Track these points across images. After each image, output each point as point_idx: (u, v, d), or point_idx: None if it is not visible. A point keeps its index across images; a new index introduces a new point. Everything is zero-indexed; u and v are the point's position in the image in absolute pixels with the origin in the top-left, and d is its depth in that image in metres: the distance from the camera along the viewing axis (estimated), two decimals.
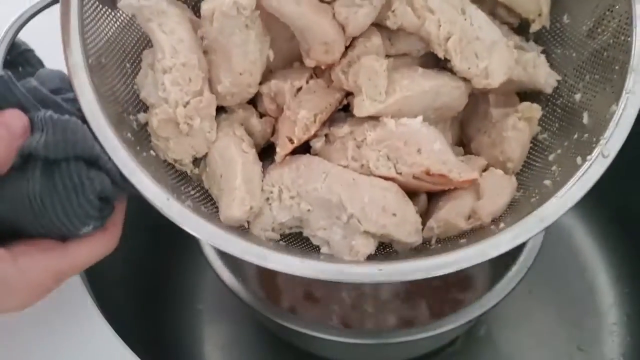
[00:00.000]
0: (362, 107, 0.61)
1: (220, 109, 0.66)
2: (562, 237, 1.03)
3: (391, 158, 0.61)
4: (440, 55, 0.63)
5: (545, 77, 0.68)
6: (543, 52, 0.71)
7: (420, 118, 0.62)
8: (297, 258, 0.56)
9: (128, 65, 0.66)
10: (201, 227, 0.56)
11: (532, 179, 0.65)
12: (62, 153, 0.57)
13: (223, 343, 0.97)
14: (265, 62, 0.64)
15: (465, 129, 0.72)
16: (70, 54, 0.59)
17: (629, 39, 0.60)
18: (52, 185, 0.57)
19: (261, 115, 0.67)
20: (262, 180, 0.63)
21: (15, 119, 0.56)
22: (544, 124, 0.69)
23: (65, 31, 0.60)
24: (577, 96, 0.65)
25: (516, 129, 0.66)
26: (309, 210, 0.61)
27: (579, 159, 0.58)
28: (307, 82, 0.65)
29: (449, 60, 0.63)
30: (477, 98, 0.69)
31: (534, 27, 0.70)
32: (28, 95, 0.58)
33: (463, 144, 0.72)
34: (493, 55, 0.63)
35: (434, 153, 0.61)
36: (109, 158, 0.58)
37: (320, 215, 0.61)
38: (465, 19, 0.62)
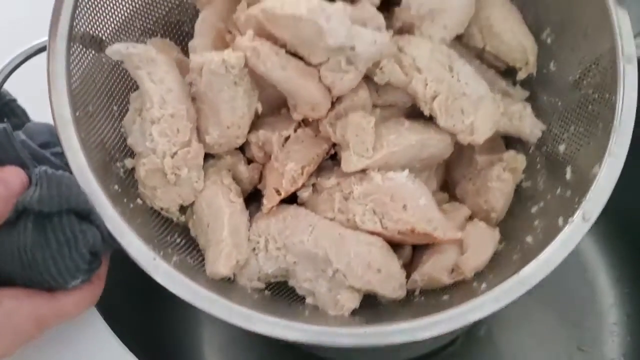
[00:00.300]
0: (349, 162, 0.62)
1: (208, 155, 0.66)
2: None
3: (377, 213, 0.62)
4: (426, 113, 0.63)
5: (530, 127, 0.69)
6: (529, 97, 0.71)
7: (406, 172, 0.63)
8: (282, 320, 0.56)
9: (115, 107, 0.66)
10: (187, 289, 0.56)
11: (515, 231, 0.66)
12: (56, 207, 0.57)
13: (222, 343, 0.97)
14: (253, 115, 0.64)
15: (450, 173, 0.73)
16: (57, 107, 0.59)
17: (613, 97, 0.60)
18: (44, 239, 0.57)
19: (249, 161, 0.68)
20: (249, 230, 0.63)
21: (13, 175, 0.57)
22: (528, 172, 0.69)
23: (53, 83, 0.59)
24: (562, 147, 0.66)
25: (500, 179, 0.67)
26: (294, 262, 0.62)
27: (560, 220, 0.59)
28: (295, 131, 0.65)
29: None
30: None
31: (521, 75, 0.70)
32: (25, 150, 0.58)
33: (448, 186, 0.73)
34: (479, 111, 0.64)
35: (419, 209, 0.61)
36: None
37: (306, 267, 0.62)
38: (452, 76, 0.63)
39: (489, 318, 0.82)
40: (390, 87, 0.65)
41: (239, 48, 0.59)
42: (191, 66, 0.61)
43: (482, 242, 0.64)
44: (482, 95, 0.64)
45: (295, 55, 0.60)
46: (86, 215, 0.58)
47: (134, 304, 0.86)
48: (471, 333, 0.96)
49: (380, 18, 0.61)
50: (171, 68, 0.63)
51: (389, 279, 0.61)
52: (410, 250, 0.66)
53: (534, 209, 0.66)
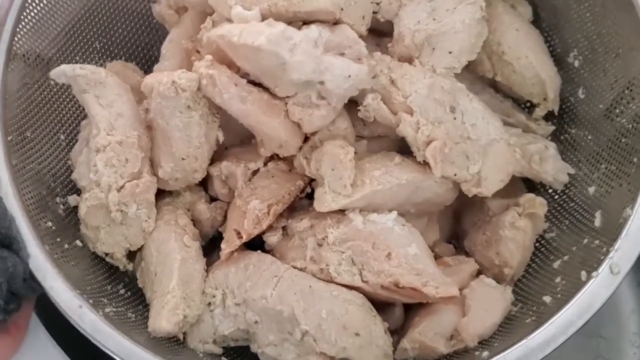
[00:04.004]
0: (323, 201, 0.51)
1: (164, 191, 0.56)
2: None
3: (356, 263, 0.51)
4: (419, 159, 0.52)
5: (554, 172, 0.57)
6: (554, 132, 0.60)
7: (393, 214, 0.52)
8: None
9: (63, 137, 0.58)
10: (117, 344, 0.47)
11: (533, 291, 0.54)
12: None
13: None
14: (214, 145, 0.54)
15: (460, 220, 0.61)
16: None
17: None
18: None
19: (212, 199, 0.58)
20: (205, 281, 0.53)
21: None
22: (552, 219, 0.58)
23: None
24: (591, 189, 0.55)
25: (515, 227, 0.55)
26: (256, 321, 0.51)
27: (583, 274, 0.47)
28: (265, 165, 0.55)
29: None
30: None
31: (539, 113, 0.60)
32: None
33: (458, 236, 0.61)
34: (488, 157, 0.53)
35: (406, 260, 0.50)
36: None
37: (270, 328, 0.51)
38: (454, 118, 0.52)
39: None
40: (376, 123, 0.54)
41: (195, 72, 0.50)
42: (142, 88, 0.52)
43: (489, 303, 0.53)
44: (493, 138, 0.53)
45: (260, 85, 0.51)
46: (8, 243, 0.49)
47: None
48: None
49: (361, 46, 0.50)
50: (123, 91, 0.54)
51: (369, 346, 0.50)
52: (402, 311, 0.54)
53: (557, 264, 0.54)
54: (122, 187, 0.52)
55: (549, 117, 0.60)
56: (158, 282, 0.52)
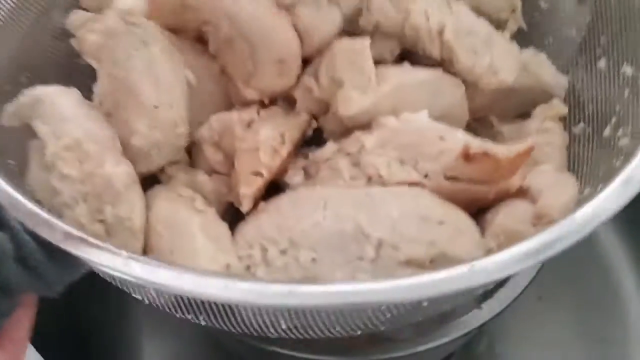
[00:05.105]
0: (349, 102, 0.44)
1: (152, 181, 0.47)
2: None
3: (406, 160, 0.43)
4: (436, 53, 0.48)
5: (553, 75, 0.54)
6: None
7: (425, 112, 0.45)
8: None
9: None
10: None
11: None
12: None
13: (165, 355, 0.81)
14: (186, 89, 0.46)
15: None
16: None
17: None
18: None
19: None
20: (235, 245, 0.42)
21: None
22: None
23: None
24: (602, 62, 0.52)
25: (544, 130, 0.51)
26: (313, 259, 0.41)
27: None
28: (259, 114, 0.47)
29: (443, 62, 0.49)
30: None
31: (511, 27, 0.57)
32: None
33: None
34: (494, 48, 0.50)
35: (462, 139, 0.43)
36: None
37: (333, 261, 0.41)
38: (451, 14, 0.49)
39: (491, 329, 0.77)
40: (377, 36, 0.49)
41: None
42: (81, 50, 0.45)
43: (559, 183, 0.46)
44: (489, 31, 0.50)
45: None
46: None
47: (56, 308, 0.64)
48: (469, 347, 0.80)
49: None
50: (61, 93, 0.46)
51: (459, 235, 0.41)
52: None
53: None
54: (86, 194, 0.42)
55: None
56: (179, 254, 0.41)
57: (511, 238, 0.42)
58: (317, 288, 0.33)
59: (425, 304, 0.38)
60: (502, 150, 0.42)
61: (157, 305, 0.40)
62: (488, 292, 0.61)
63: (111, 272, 0.34)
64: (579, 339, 0.83)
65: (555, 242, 0.35)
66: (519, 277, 0.59)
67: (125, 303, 0.81)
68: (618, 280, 0.86)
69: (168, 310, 0.41)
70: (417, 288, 0.33)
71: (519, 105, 0.55)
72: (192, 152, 0.48)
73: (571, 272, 0.85)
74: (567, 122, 0.53)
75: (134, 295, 0.41)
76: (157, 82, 0.44)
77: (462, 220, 0.42)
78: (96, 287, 0.46)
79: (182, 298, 0.38)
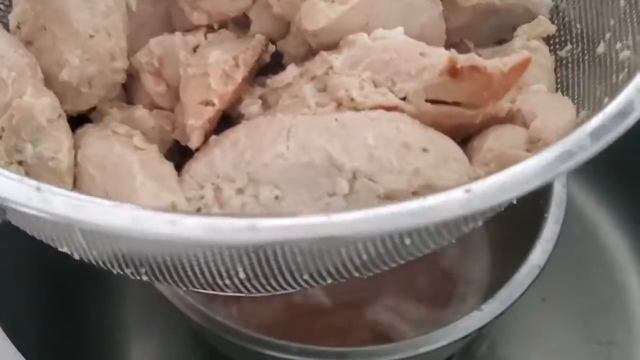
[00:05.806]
0: (315, 14, 0.38)
1: (81, 120, 0.40)
2: (584, 230, 0.84)
3: (381, 81, 0.37)
4: None
5: None
6: None
7: (401, 29, 0.39)
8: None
9: None
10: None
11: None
12: None
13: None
14: (126, 15, 0.40)
15: None
16: None
17: None
18: None
19: None
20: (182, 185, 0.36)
21: None
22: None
23: None
24: None
25: (530, 51, 0.45)
26: (277, 196, 0.35)
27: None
28: (206, 38, 0.41)
29: None
30: None
31: None
32: None
33: None
34: None
35: (444, 54, 0.37)
36: None
37: (299, 198, 0.35)
38: None
39: (492, 332, 0.76)
40: None
41: None
42: None
43: (553, 104, 0.42)
44: None
45: None
46: None
47: (41, 311, 0.67)
48: (469, 351, 0.77)
49: None
50: None
51: (446, 163, 0.36)
52: None
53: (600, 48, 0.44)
54: (0, 130, 0.36)
55: None
56: (115, 196, 0.34)
57: (503, 165, 0.37)
58: (283, 221, 0.27)
59: (407, 241, 0.33)
60: (494, 64, 0.36)
61: (89, 259, 0.34)
62: (488, 292, 0.60)
63: (25, 209, 0.27)
64: (582, 341, 0.81)
65: (568, 156, 0.29)
66: (521, 277, 0.58)
67: (111, 305, 0.78)
68: (623, 281, 0.83)
69: (103, 266, 0.34)
70: (404, 216, 0.27)
71: (497, 30, 0.49)
72: (127, 86, 0.42)
73: (575, 273, 0.83)
74: (551, 45, 0.49)
75: (60, 249, 0.34)
76: (92, 6, 0.38)
77: (449, 146, 0.36)
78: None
79: (118, 246, 0.31)
